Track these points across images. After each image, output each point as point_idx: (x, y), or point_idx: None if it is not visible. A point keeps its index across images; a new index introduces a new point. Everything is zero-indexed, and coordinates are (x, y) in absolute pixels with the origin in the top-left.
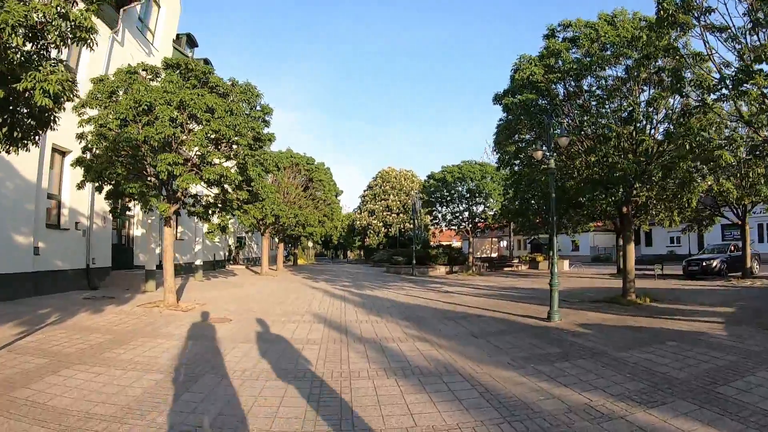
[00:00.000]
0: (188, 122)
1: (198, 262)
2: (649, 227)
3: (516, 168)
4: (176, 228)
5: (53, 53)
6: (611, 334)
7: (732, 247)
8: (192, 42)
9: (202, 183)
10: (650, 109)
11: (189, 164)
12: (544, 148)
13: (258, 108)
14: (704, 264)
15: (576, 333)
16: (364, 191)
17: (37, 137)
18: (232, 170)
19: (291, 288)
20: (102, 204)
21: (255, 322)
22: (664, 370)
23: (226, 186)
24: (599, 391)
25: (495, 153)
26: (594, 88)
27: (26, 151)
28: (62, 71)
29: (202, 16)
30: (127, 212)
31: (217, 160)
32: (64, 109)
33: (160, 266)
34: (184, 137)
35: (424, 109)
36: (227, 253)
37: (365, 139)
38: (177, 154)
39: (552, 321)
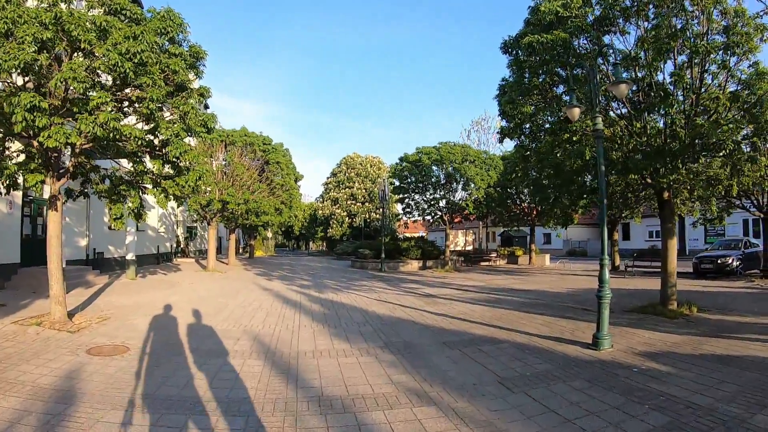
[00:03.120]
0: (69, 51)
1: (130, 257)
2: (628, 220)
3: (525, 140)
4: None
5: None
6: (705, 372)
7: (746, 243)
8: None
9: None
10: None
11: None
12: (573, 103)
13: (185, 47)
14: (719, 261)
15: (652, 372)
16: (328, 178)
17: None
18: (138, 127)
19: (237, 289)
20: None
21: (161, 356)
22: None
23: (141, 156)
24: None
25: (499, 119)
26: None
27: None
28: None
29: None
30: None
31: (111, 109)
32: None
33: (89, 262)
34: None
35: (394, 104)
36: (175, 245)
37: (332, 131)
38: (38, 95)
39: (602, 349)
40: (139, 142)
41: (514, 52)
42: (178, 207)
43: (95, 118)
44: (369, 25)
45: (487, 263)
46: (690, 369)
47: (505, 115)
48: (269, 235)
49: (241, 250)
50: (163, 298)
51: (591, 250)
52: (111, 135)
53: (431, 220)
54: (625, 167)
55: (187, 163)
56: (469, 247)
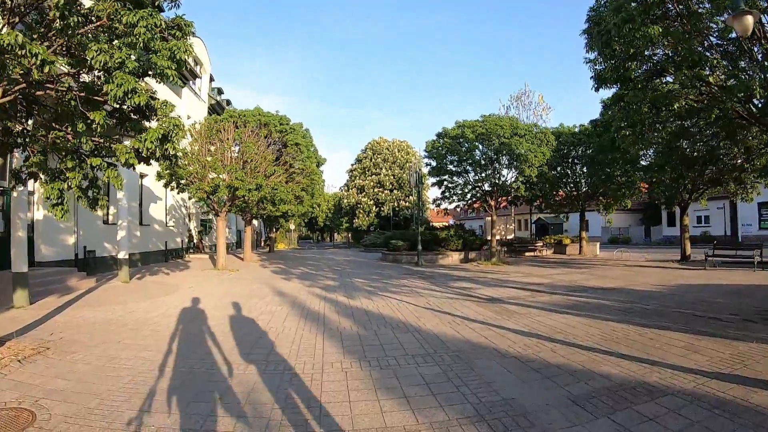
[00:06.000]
0: None
1: (122, 256)
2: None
3: (631, 84)
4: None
5: None
6: None
7: None
8: None
9: None
10: None
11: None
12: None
13: None
14: None
15: None
16: (352, 165)
17: None
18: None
19: (245, 295)
20: None
21: None
22: None
23: (74, 104)
24: None
25: (591, 58)
26: None
27: None
28: None
29: None
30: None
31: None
32: None
33: (78, 263)
34: None
35: (416, 95)
36: (187, 240)
37: (353, 121)
38: None
39: None
40: (47, 69)
41: None
42: (189, 198)
43: None
44: (389, 16)
45: (532, 253)
46: None
47: (607, 47)
48: (291, 227)
49: (262, 243)
50: (145, 310)
51: (634, 237)
52: None
53: (472, 205)
54: None
55: (154, 120)
56: (510, 236)
